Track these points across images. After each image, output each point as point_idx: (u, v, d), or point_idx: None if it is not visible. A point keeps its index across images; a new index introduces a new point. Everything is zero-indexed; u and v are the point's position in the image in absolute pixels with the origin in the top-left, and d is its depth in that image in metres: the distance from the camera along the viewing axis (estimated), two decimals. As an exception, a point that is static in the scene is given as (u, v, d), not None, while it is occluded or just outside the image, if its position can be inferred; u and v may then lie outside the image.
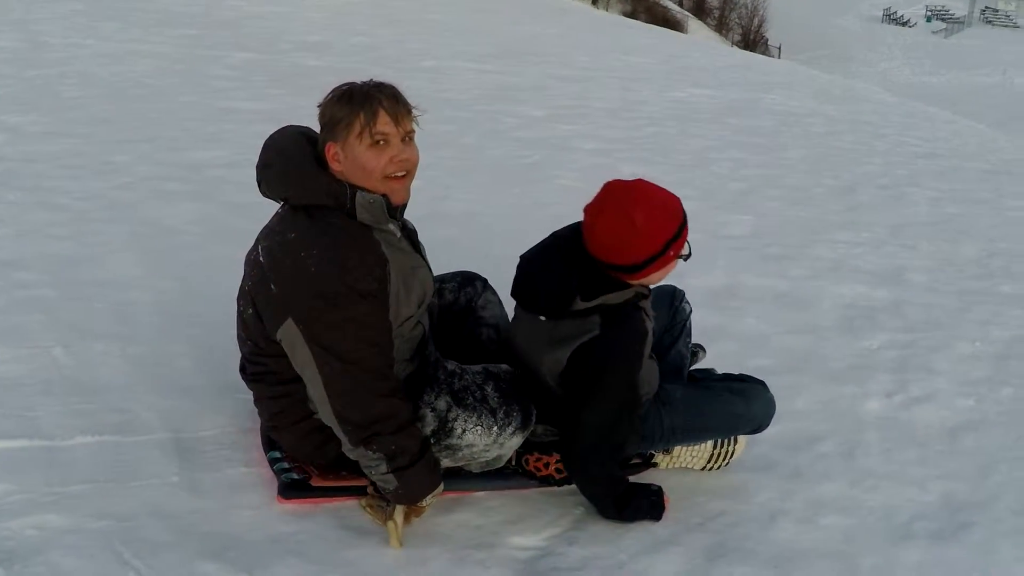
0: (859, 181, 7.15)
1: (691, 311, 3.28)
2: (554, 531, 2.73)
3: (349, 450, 2.44)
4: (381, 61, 8.98)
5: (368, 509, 2.62)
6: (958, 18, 66.65)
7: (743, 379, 3.09)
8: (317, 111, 2.41)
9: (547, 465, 2.85)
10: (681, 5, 55.29)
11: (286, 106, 6.72)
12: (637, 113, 8.38)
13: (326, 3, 12.25)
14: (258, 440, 2.84)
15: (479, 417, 2.55)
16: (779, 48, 49.04)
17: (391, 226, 2.43)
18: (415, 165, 2.42)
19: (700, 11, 56.53)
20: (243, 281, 2.54)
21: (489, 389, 2.60)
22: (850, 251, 5.49)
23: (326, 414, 2.41)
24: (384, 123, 2.32)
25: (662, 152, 7.11)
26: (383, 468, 2.41)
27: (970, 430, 3.69)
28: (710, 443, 3.07)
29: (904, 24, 64.19)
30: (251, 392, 2.70)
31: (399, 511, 2.53)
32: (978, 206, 7.10)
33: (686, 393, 2.96)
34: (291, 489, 2.65)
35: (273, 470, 2.71)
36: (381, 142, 2.33)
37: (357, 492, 2.65)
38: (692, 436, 3.00)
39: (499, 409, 2.57)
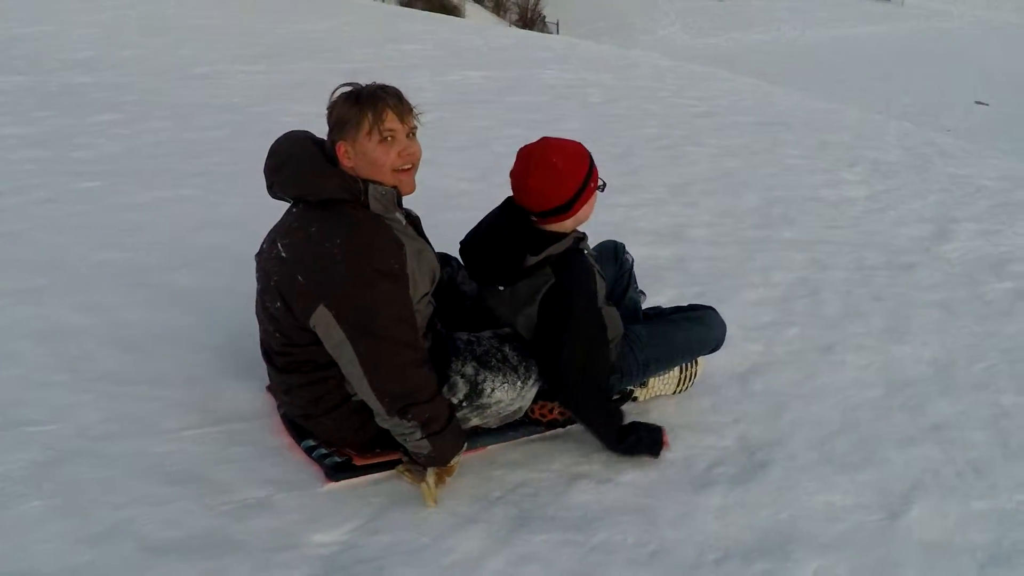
0: (637, 145, 7.44)
1: (633, 261, 3.77)
2: (354, 524, 2.75)
3: (384, 420, 2.74)
4: (154, 72, 8.75)
5: (406, 474, 2.93)
6: (731, -20, 69.39)
7: (694, 308, 3.63)
8: (327, 113, 2.73)
9: (551, 410, 3.28)
10: (457, -11, 55.74)
11: (52, 128, 6.51)
12: (414, 100, 8.36)
13: (94, 18, 11.84)
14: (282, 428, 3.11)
15: (504, 375, 2.94)
16: (557, 24, 49.99)
17: (398, 215, 2.79)
18: (419, 158, 2.76)
19: (476, -7, 57.15)
20: (264, 280, 2.82)
21: (507, 349, 3.01)
22: (630, 213, 5.70)
23: (363, 390, 2.69)
24: (391, 121, 2.66)
25: (441, 136, 7.16)
26: (418, 435, 2.74)
27: (760, 373, 3.92)
28: (676, 369, 3.57)
29: (677, -10, 66.40)
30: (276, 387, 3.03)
31: (431, 473, 2.86)
32: (756, 157, 7.50)
33: (650, 329, 3.44)
34: (338, 471, 2.92)
35: (312, 457, 2.97)
36: (389, 139, 2.66)
37: (391, 466, 2.96)
38: (663, 365, 3.48)
39: (519, 365, 2.98)
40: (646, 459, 3.20)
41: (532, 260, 2.99)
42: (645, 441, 3.16)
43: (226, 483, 2.84)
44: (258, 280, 2.88)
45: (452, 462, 2.88)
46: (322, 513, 2.78)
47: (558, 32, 44.75)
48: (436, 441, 2.76)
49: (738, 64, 30.95)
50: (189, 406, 3.18)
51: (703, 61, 20.35)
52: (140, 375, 3.35)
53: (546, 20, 52.86)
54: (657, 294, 4.52)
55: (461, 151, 6.89)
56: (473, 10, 48.74)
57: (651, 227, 5.50)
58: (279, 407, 3.15)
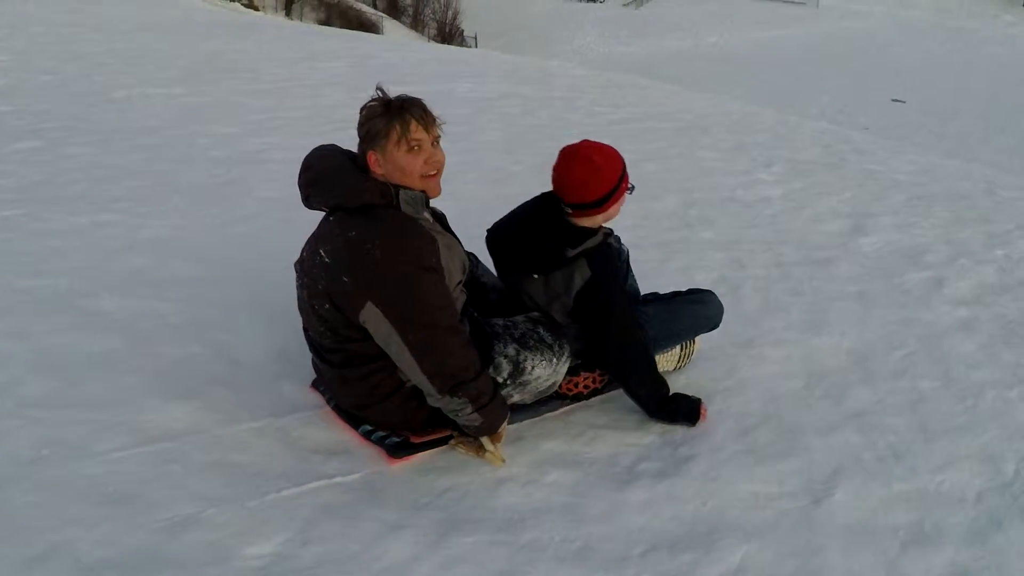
0: (556, 155, 7.45)
1: (628, 251, 4.08)
2: (285, 535, 2.80)
3: (437, 400, 3.05)
4: (72, 97, 8.66)
5: (460, 447, 3.28)
6: (647, -12, 70.08)
7: (693, 291, 4.01)
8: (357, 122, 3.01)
9: (576, 385, 3.65)
10: (375, 7, 55.68)
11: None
12: (330, 118, 8.42)
13: (7, 44, 11.68)
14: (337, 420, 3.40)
15: (542, 354, 3.28)
16: (475, 38, 50.24)
17: (426, 214, 3.10)
18: (443, 164, 3.05)
19: (394, 10, 57.14)
20: (309, 286, 3.10)
21: (541, 331, 3.36)
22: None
23: (415, 375, 3.00)
24: (417, 131, 2.94)
25: (359, 153, 7.20)
26: (468, 410, 3.04)
27: (682, 370, 4.02)
28: (677, 348, 3.94)
29: (595, 0, 66.93)
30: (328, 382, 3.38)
31: (486, 441, 3.20)
32: (673, 161, 7.65)
33: (656, 310, 3.78)
34: (398, 449, 3.24)
35: (371, 440, 3.28)
36: (416, 148, 2.95)
37: (445, 441, 3.31)
38: (669, 342, 3.86)
39: (554, 344, 3.33)
40: (679, 427, 3.56)
41: (572, 253, 3.38)
42: (684, 410, 3.57)
43: (159, 501, 2.86)
44: (303, 286, 3.16)
45: (500, 430, 3.19)
46: (253, 526, 2.81)
47: (476, 45, 44.97)
48: (485, 413, 3.08)
49: (657, 71, 31.39)
50: (119, 428, 3.19)
51: (621, 69, 20.61)
52: (69, 399, 3.35)
53: (464, 34, 53.12)
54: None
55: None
56: (391, 26, 48.86)
57: (572, 233, 5.58)
58: (329, 400, 3.46)
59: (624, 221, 5.80)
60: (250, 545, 2.74)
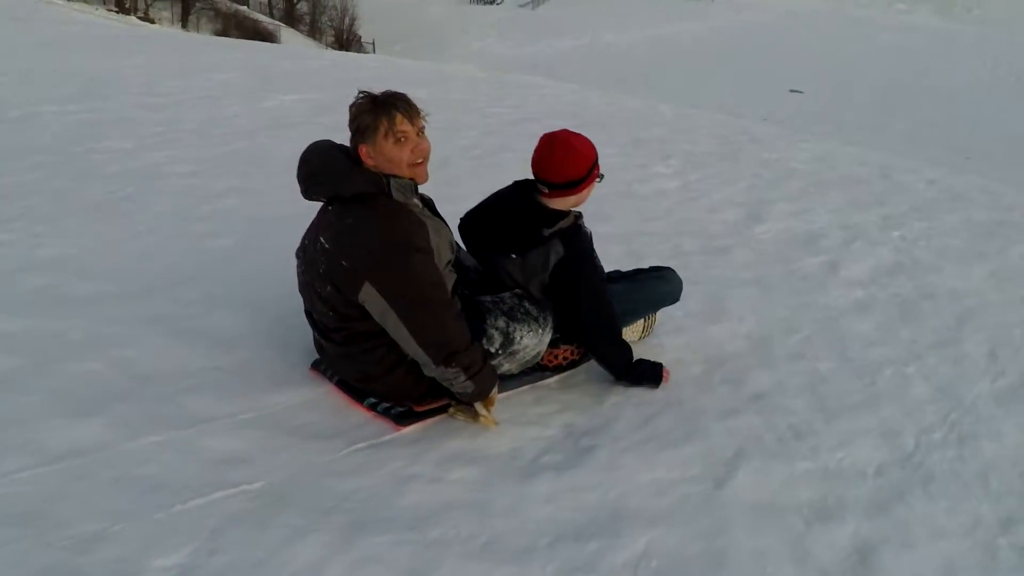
0: (454, 156, 7.62)
1: (591, 232, 4.13)
2: (192, 546, 2.78)
3: (432, 370, 3.33)
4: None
5: (458, 414, 3.57)
6: (543, -11, 70.44)
7: (655, 269, 4.34)
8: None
9: (556, 357, 3.96)
10: (272, 16, 55.15)
11: None
12: (228, 129, 8.36)
13: None
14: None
15: (529, 325, 3.61)
16: (373, 43, 50.04)
17: (416, 200, 3.38)
18: (429, 152, 3.31)
19: (291, 19, 56.63)
20: (311, 271, 3.41)
21: (527, 304, 3.68)
22: (452, 223, 5.76)
23: (412, 348, 3.28)
24: (402, 124, 3.20)
25: (256, 163, 7.15)
26: (462, 378, 3.33)
27: (581, 369, 4.06)
28: (641, 320, 4.28)
29: (491, 3, 67.14)
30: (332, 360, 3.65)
31: (480, 406, 3.49)
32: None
33: (623, 287, 4.08)
34: (404, 417, 3.53)
35: (377, 411, 3.57)
36: (402, 139, 3.21)
37: (444, 409, 3.59)
38: (635, 315, 4.21)
39: (539, 316, 3.66)
40: (582, 418, 3.67)
41: (547, 232, 3.67)
42: (648, 373, 3.88)
43: (65, 519, 2.84)
44: (304, 272, 3.50)
45: (491, 395, 3.48)
46: (160, 538, 2.80)
47: (375, 51, 44.81)
48: (477, 380, 3.35)
49: (556, 71, 31.63)
50: (22, 448, 3.15)
51: (520, 70, 20.74)
52: (-31, 421, 3.31)
53: (362, 40, 52.89)
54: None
55: (275, 175, 6.88)
56: (288, 35, 48.47)
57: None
58: (331, 376, 3.73)
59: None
60: (158, 557, 2.73)
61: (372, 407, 3.57)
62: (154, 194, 6.18)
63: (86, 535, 2.78)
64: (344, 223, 3.26)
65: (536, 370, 3.90)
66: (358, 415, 3.57)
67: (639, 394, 3.84)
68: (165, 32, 27.27)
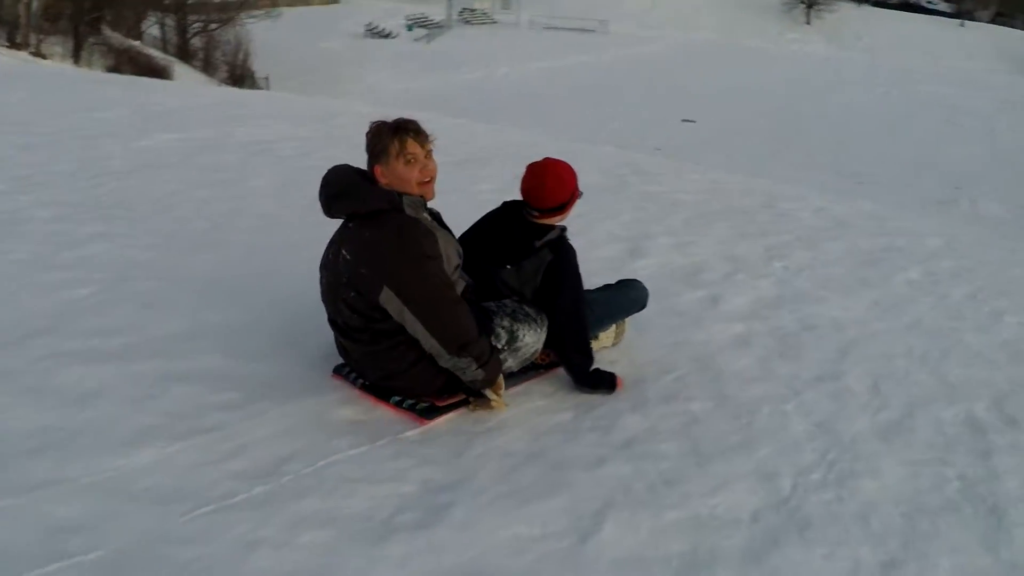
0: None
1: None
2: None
3: (446, 361, 3.76)
4: None
5: (476, 409, 3.99)
6: (438, 23, 70.39)
7: (623, 281, 4.92)
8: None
9: (548, 355, 4.34)
10: (166, 51, 54.40)
11: None
12: (100, 170, 8.12)
13: None
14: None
15: (530, 324, 4.04)
16: (267, 79, 49.60)
17: (425, 214, 3.81)
18: (436, 172, 3.81)
19: (185, 55, 55.86)
20: (335, 280, 3.83)
21: (526, 307, 4.11)
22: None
23: (428, 343, 3.72)
24: (412, 147, 3.69)
25: (125, 206, 6.92)
26: (474, 367, 3.78)
27: (443, 420, 3.94)
28: (613, 327, 4.74)
29: (387, 36, 67.05)
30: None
31: (491, 392, 3.95)
32: (450, 196, 7.48)
33: (598, 295, 4.58)
34: (428, 412, 3.90)
35: (403, 408, 3.92)
36: (412, 160, 3.69)
37: (463, 403, 3.99)
38: (608, 321, 4.69)
39: (537, 317, 4.10)
40: (438, 473, 3.54)
41: (538, 244, 4.17)
42: (606, 380, 4.26)
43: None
44: (328, 282, 3.90)
45: (498, 381, 3.94)
46: None
47: (269, 87, 44.41)
48: (487, 368, 3.82)
49: (450, 105, 31.54)
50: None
51: (414, 105, 20.59)
52: None
53: (256, 76, 52.41)
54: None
55: (144, 219, 6.66)
56: (182, 71, 47.80)
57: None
58: (356, 379, 4.07)
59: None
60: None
61: (398, 404, 3.92)
62: (11, 240, 5.93)
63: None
64: (363, 236, 3.70)
65: (530, 368, 4.30)
66: (208, 475, 3.37)
67: (503, 445, 3.74)
68: (52, 68, 26.68)
